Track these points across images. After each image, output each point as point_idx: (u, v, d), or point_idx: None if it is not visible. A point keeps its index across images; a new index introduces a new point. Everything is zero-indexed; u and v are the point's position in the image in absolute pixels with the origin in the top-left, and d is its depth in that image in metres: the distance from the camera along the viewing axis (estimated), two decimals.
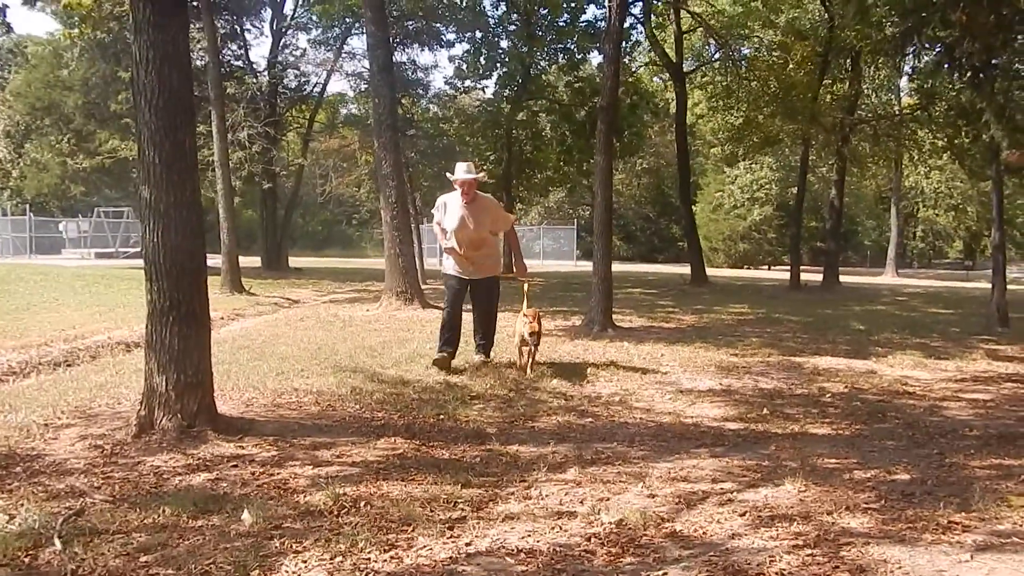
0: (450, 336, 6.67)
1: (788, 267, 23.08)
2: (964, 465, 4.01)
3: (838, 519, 3.15)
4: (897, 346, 8.47)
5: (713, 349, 7.98)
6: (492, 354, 6.90)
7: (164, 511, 3.09)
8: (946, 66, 11.17)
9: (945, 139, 19.01)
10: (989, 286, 11.55)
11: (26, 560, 2.66)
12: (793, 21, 18.82)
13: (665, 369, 6.89)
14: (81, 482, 3.48)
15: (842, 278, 21.68)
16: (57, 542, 2.76)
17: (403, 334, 8.65)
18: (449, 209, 6.68)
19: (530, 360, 6.45)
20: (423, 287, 13.16)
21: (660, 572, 2.64)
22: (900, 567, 2.65)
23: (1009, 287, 11.44)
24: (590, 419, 5.08)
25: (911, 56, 14.21)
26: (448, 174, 6.72)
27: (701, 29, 21.79)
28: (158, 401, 4.28)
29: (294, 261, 27.30)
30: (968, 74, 10.21)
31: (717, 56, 22.44)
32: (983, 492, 3.45)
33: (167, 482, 3.52)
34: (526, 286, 6.97)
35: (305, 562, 2.69)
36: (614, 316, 9.77)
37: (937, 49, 11.67)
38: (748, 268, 37.49)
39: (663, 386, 6.17)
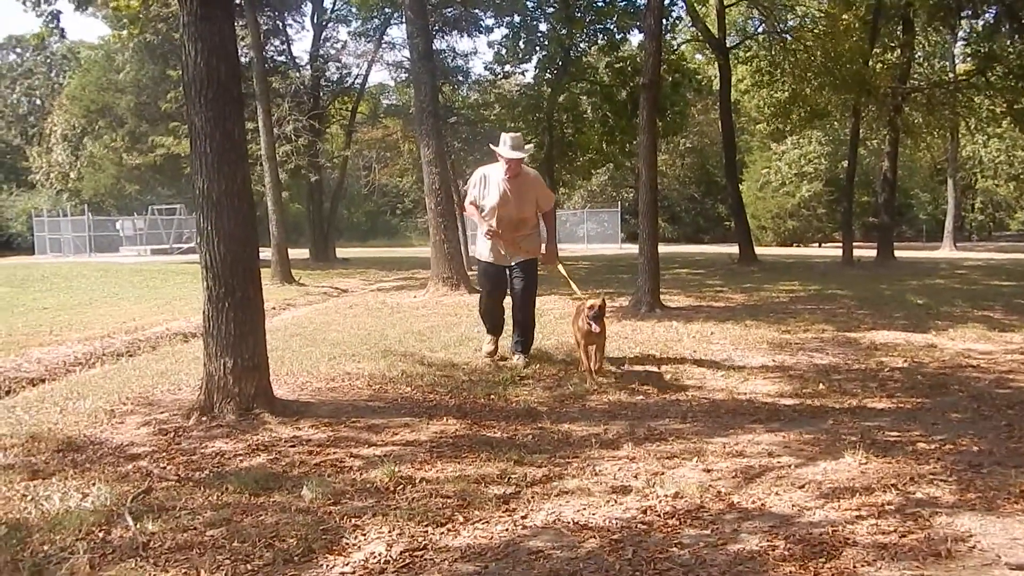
0: (494, 323, 6.25)
1: (840, 244, 22.55)
2: None
3: (903, 490, 3.07)
4: (958, 319, 8.20)
5: (765, 326, 7.84)
6: (536, 336, 6.40)
7: (227, 489, 3.17)
8: (1005, 28, 10.74)
9: (1005, 104, 18.30)
10: None
11: (100, 535, 2.75)
12: None
13: (716, 347, 6.80)
14: (147, 463, 3.59)
15: (897, 253, 21.10)
16: (128, 518, 2.86)
17: (451, 319, 8.70)
18: (489, 184, 5.97)
19: (598, 362, 5.56)
20: (469, 273, 13.22)
21: (719, 543, 2.62)
22: (972, 535, 2.57)
23: None
24: (641, 397, 5.04)
25: (967, 19, 13.69)
26: (493, 146, 6.03)
27: (743, 1, 21.31)
28: (216, 386, 4.39)
29: (341, 252, 27.66)
30: None
31: (761, 29, 21.92)
32: None
33: (228, 462, 3.60)
34: (563, 271, 6.06)
35: (364, 535, 2.73)
36: (662, 296, 9.67)
37: (994, 11, 11.23)
38: (798, 246, 36.72)
39: (714, 363, 6.08)
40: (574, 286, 5.97)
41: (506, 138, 5.92)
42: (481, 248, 6.14)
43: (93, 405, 4.69)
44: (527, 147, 6.06)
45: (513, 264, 6.01)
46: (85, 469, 3.50)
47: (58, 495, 3.12)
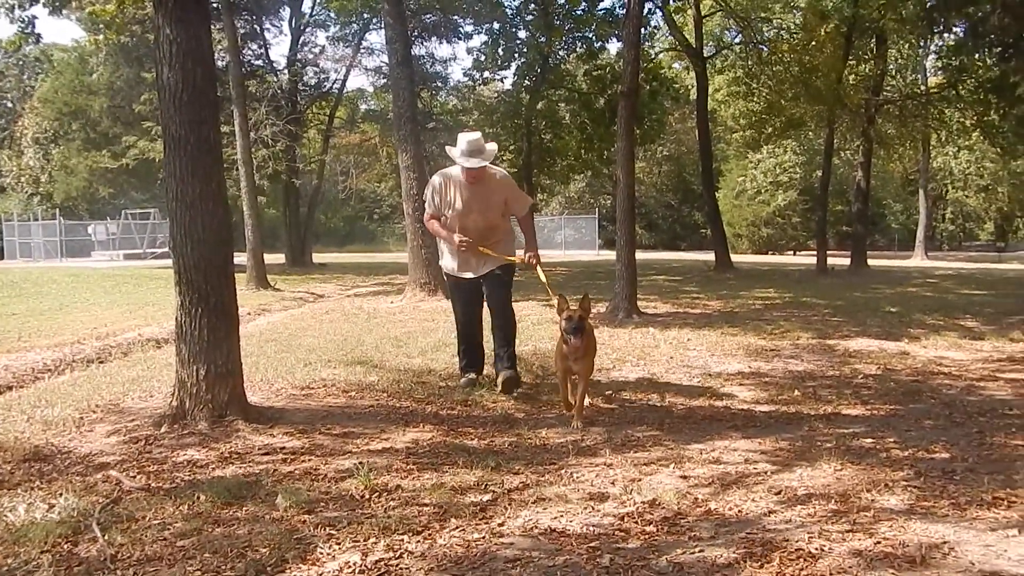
0: (472, 355, 5.55)
1: (814, 252, 22.82)
2: (1005, 444, 3.92)
3: (877, 496, 3.09)
4: (930, 327, 8.32)
5: (741, 333, 7.90)
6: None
7: (199, 498, 3.11)
8: (970, 43, 10.96)
9: (975, 117, 18.66)
10: (1023, 267, 11.30)
11: (66, 547, 2.69)
12: (816, 3, 18.54)
13: (692, 353, 6.83)
14: (116, 473, 3.51)
15: (870, 261, 21.39)
16: (96, 529, 2.79)
17: (428, 324, 8.66)
18: (449, 189, 5.22)
19: (579, 397, 4.55)
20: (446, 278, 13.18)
21: (696, 549, 2.61)
22: (946, 542, 2.59)
23: None
24: (618, 404, 5.04)
25: (938, 33, 13.95)
26: (449, 148, 5.22)
27: (721, 13, 21.54)
28: (189, 392, 4.32)
29: (318, 257, 27.50)
30: (998, 49, 9.99)
31: (738, 40, 22.17)
32: None
33: (200, 471, 3.54)
34: (541, 274, 5.27)
35: (339, 544, 2.69)
36: (639, 303, 9.71)
37: (963, 25, 11.44)
38: (772, 254, 37.14)
39: (691, 370, 6.11)
40: (550, 291, 5.21)
41: (462, 140, 5.09)
42: (447, 261, 5.45)
43: (61, 413, 4.59)
44: (488, 147, 5.16)
45: (484, 273, 5.33)
46: (52, 479, 3.42)
47: (23, 506, 3.04)
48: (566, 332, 4.45)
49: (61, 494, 3.19)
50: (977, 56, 14.12)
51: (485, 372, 5.58)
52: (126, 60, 25.87)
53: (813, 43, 17.74)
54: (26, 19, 16.01)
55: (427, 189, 5.41)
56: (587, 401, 4.76)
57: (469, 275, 5.36)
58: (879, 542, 2.62)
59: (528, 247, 5.36)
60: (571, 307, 4.57)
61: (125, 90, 26.63)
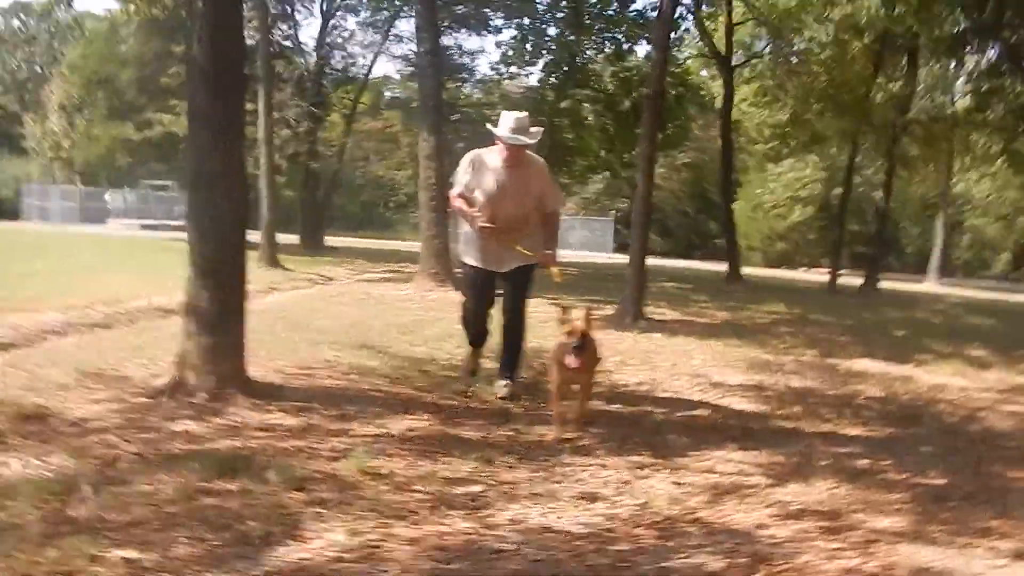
0: (478, 331, 5.23)
1: (827, 270, 22.66)
2: (1002, 474, 3.89)
3: (869, 517, 3.08)
4: (936, 353, 8.25)
5: (745, 346, 7.87)
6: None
7: (192, 468, 3.13)
8: (1005, 66, 10.85)
9: (1002, 143, 18.48)
10: None
11: (57, 505, 2.71)
12: (848, 17, 18.39)
13: (695, 362, 6.81)
14: (112, 437, 3.53)
15: (882, 283, 21.22)
16: (88, 489, 2.82)
17: (435, 314, 8.67)
18: (483, 171, 4.84)
19: (577, 411, 4.27)
20: (456, 271, 13.20)
21: (682, 555, 2.61)
22: (932, 567, 2.58)
23: None
24: (617, 406, 5.03)
25: (970, 55, 13.82)
26: (491, 126, 4.88)
27: (752, 21, 21.41)
28: (191, 363, 4.34)
29: (331, 240, 27.55)
30: None
31: (768, 50, 22.04)
32: (1022, 501, 3.34)
33: (196, 441, 3.56)
34: (556, 273, 4.92)
35: (326, 524, 2.70)
36: (647, 308, 9.69)
37: (996, 49, 11.34)
38: (784, 268, 36.92)
39: (692, 378, 6.09)
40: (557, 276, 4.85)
41: (507, 117, 4.76)
42: (468, 248, 5.04)
43: (63, 375, 4.62)
44: (533, 130, 4.82)
45: (506, 271, 4.94)
46: (48, 439, 3.44)
47: (18, 462, 3.07)
48: (573, 348, 4.08)
49: (56, 454, 3.22)
50: (1009, 81, 13.98)
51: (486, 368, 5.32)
52: (156, 32, 26.00)
53: (844, 57, 17.63)
54: None
55: (461, 165, 4.93)
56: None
57: (488, 267, 4.94)
58: (867, 562, 2.61)
59: (547, 245, 4.95)
60: (575, 323, 4.17)
61: (153, 62, 26.81)
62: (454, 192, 4.98)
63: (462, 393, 4.99)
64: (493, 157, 4.84)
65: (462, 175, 4.91)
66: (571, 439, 4.02)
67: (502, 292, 5.07)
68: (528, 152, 4.89)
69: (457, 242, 5.35)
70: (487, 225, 4.78)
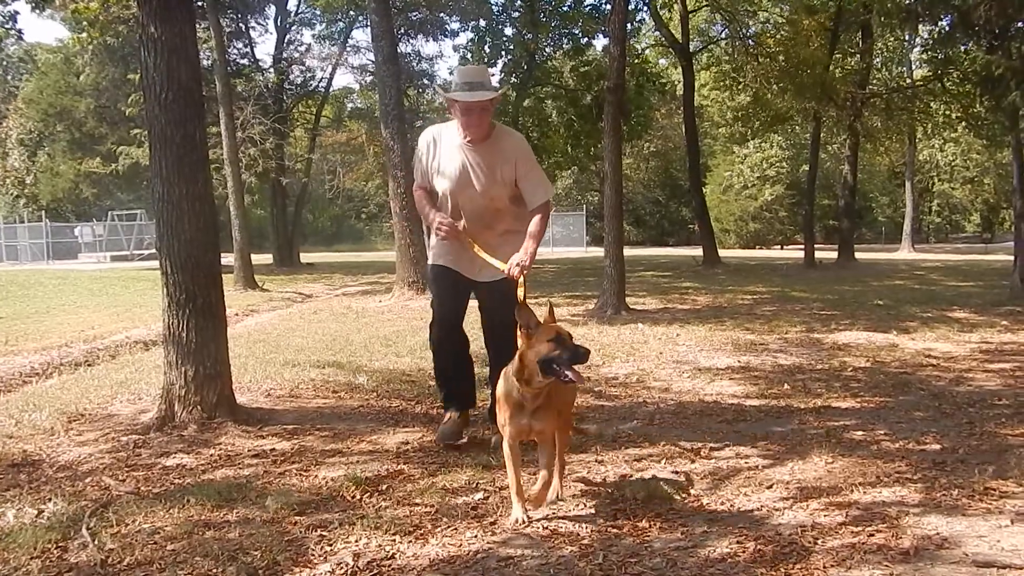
0: (454, 384, 4.03)
1: (801, 246, 22.92)
2: (996, 433, 3.94)
3: (869, 489, 3.10)
4: (918, 319, 8.37)
5: (730, 328, 7.92)
6: None
7: (189, 502, 3.08)
8: (959, 34, 11.04)
9: (960, 110, 18.79)
10: (1010, 258, 11.42)
11: (56, 553, 2.66)
12: None
13: (681, 349, 6.84)
14: (106, 477, 3.48)
15: (857, 254, 21.52)
16: (85, 534, 2.76)
17: (416, 323, 8.63)
18: (442, 152, 3.78)
19: (548, 476, 2.93)
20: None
21: (689, 544, 2.61)
22: (938, 533, 2.60)
23: None
24: (608, 400, 5.04)
25: (924, 25, 14.02)
26: (440, 89, 4.10)
27: (707, 8, 21.58)
28: (178, 394, 4.28)
29: (305, 257, 27.39)
30: (984, 40, 10.05)
31: (724, 35, 22.23)
32: (1019, 459, 3.38)
33: (190, 474, 3.51)
34: (520, 289, 3.31)
35: (331, 546, 2.67)
36: (628, 299, 9.73)
37: (949, 17, 11.51)
38: (760, 248, 37.28)
39: (680, 365, 6.12)
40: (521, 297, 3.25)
41: (460, 72, 3.79)
42: (436, 251, 3.95)
43: (49, 418, 4.54)
44: (496, 89, 3.80)
45: (483, 282, 3.83)
46: (40, 484, 3.38)
47: (12, 512, 3.01)
48: (576, 359, 2.81)
49: (50, 499, 3.15)
50: (963, 48, 14.21)
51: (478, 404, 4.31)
52: (111, 60, 25.69)
53: (799, 36, 17.82)
54: (7, 14, 15.86)
55: (418, 149, 3.95)
56: (577, 400, 4.05)
57: (459, 268, 3.87)
58: (872, 535, 2.62)
59: (525, 246, 3.59)
60: (556, 324, 3.01)
61: (111, 90, 26.49)
62: (415, 185, 4.01)
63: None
64: (450, 135, 3.81)
65: (419, 162, 3.92)
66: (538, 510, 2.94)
67: (483, 324, 4.03)
68: (500, 124, 3.92)
69: (428, 242, 4.16)
70: (445, 223, 3.68)
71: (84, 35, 19.28)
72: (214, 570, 2.49)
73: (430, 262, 4.04)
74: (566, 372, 2.78)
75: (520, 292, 3.30)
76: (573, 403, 3.40)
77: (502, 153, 3.73)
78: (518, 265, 3.49)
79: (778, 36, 19.65)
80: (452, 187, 3.75)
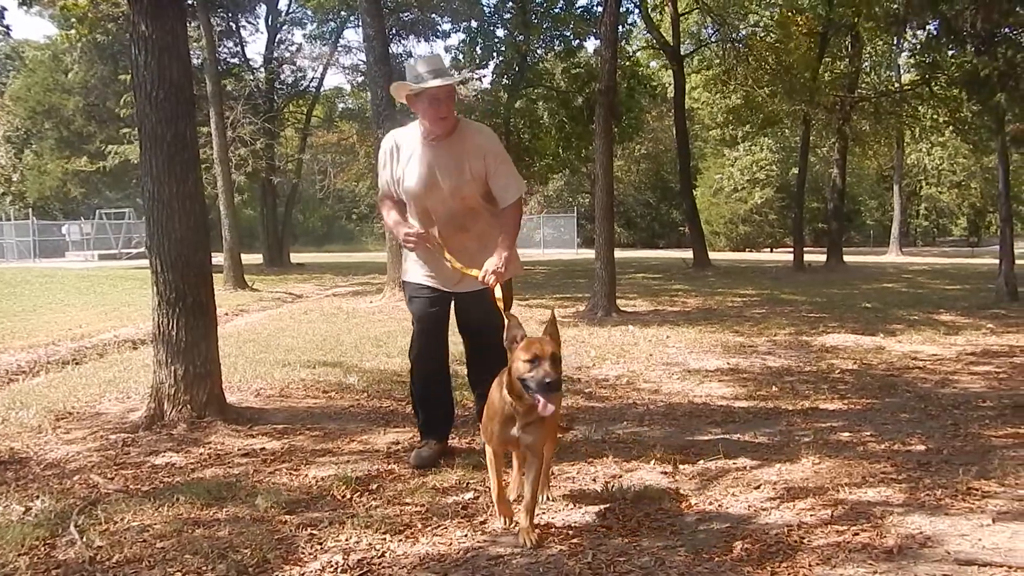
0: (432, 411, 3.73)
1: (790, 249, 23.04)
2: (980, 435, 3.98)
3: (855, 489, 3.13)
4: (905, 322, 8.44)
5: (719, 330, 7.96)
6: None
7: (178, 500, 3.08)
8: (944, 39, 11.14)
9: (947, 114, 18.94)
10: (995, 262, 11.53)
11: (44, 551, 2.65)
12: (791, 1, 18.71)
13: (671, 350, 6.88)
14: (94, 475, 3.47)
15: (846, 257, 21.65)
16: (74, 531, 2.76)
17: (407, 324, 8.54)
18: (404, 157, 3.53)
19: (529, 480, 2.77)
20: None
21: (678, 544, 2.63)
22: (921, 532, 2.63)
23: (1017, 261, 11.38)
24: (598, 402, 5.06)
25: (911, 30, 14.14)
26: (396, 85, 3.49)
27: (698, 10, 21.68)
28: (167, 393, 4.28)
29: (296, 257, 27.32)
30: (971, 45, 10.16)
31: (714, 37, 22.33)
32: (1002, 460, 3.42)
33: (179, 472, 3.51)
34: (498, 291, 3.25)
35: (321, 544, 2.68)
36: (618, 301, 9.76)
37: (936, 23, 11.62)
38: (750, 251, 37.47)
39: (670, 367, 6.15)
40: (506, 316, 2.85)
41: (416, 63, 3.47)
42: (410, 266, 3.69)
43: (37, 416, 4.52)
44: (454, 74, 3.66)
45: (462, 292, 3.57)
46: (28, 483, 3.37)
47: None
48: (542, 388, 2.57)
49: (37, 497, 3.15)
50: (950, 53, 14.33)
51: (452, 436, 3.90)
52: (100, 58, 25.56)
53: (789, 40, 17.94)
54: None
55: (380, 157, 3.66)
56: (567, 402, 4.51)
57: (437, 285, 3.60)
58: (857, 534, 2.65)
59: (499, 250, 3.34)
60: (541, 341, 2.66)
61: (99, 88, 26.34)
62: (379, 195, 3.74)
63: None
64: (413, 136, 3.55)
65: (382, 169, 3.63)
66: (529, 547, 2.64)
67: (465, 341, 3.78)
68: (464, 118, 3.62)
69: (404, 259, 3.84)
70: (409, 235, 3.45)
71: (73, 32, 19.20)
72: (203, 568, 2.50)
73: (404, 279, 3.76)
74: (538, 397, 2.59)
75: (499, 302, 3.16)
76: (558, 414, 3.08)
77: (470, 148, 3.45)
78: (493, 272, 3.28)
79: (767, 39, 19.76)
80: (419, 190, 3.48)
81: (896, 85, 24.59)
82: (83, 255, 28.41)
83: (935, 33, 12.21)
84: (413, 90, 3.38)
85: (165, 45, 4.27)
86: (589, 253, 13.45)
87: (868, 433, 4.08)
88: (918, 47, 16.91)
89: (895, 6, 13.08)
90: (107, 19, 18.81)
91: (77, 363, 6.84)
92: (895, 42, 21.70)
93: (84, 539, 2.71)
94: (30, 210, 31.32)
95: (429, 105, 3.37)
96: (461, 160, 3.43)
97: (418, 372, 3.78)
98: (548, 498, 3.10)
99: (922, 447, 3.79)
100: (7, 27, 18.16)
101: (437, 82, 3.33)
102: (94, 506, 3.05)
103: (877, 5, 14.72)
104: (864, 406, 4.80)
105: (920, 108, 20.80)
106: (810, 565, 2.42)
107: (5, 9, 14.44)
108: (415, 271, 3.67)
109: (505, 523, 2.82)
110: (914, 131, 23.71)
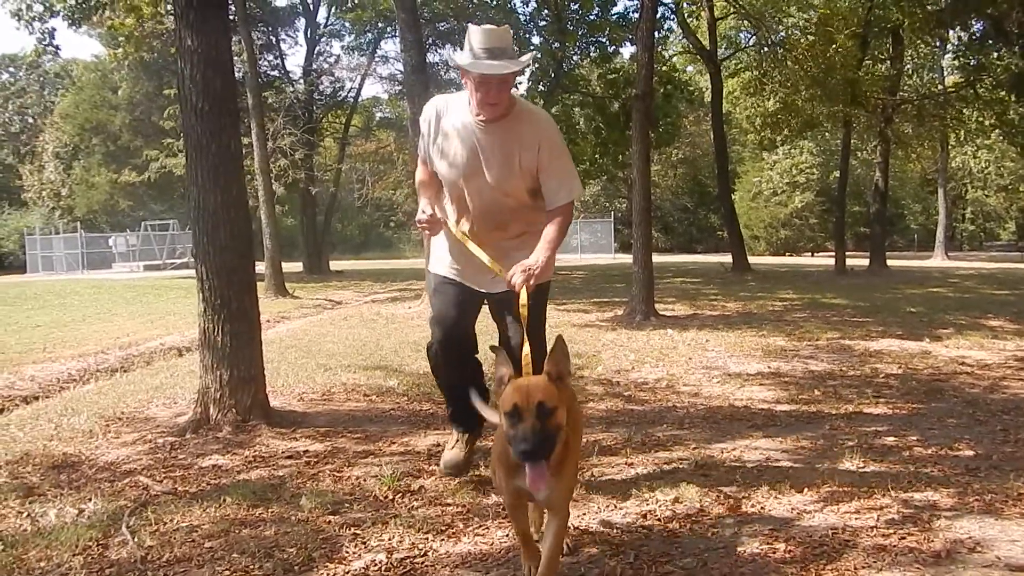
0: (460, 405, 3.30)
1: (832, 253, 22.65)
2: None
3: (901, 493, 3.08)
4: (952, 327, 8.25)
5: (760, 334, 7.87)
6: None
7: (225, 501, 3.15)
8: (991, 40, 10.90)
9: (993, 116, 18.49)
10: None
11: (97, 551, 2.73)
12: (830, 1, 18.43)
13: (711, 354, 6.82)
14: (143, 478, 3.56)
15: (889, 262, 21.22)
16: (126, 532, 2.84)
17: None
18: (447, 130, 3.06)
19: (548, 538, 2.27)
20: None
21: (720, 546, 2.62)
22: (970, 536, 2.58)
23: None
24: (638, 404, 5.04)
25: (955, 32, 13.87)
26: (452, 57, 2.98)
27: (734, 15, 21.50)
28: (212, 398, 4.37)
29: (335, 265, 27.65)
30: (1018, 46, 9.92)
31: (752, 41, 22.12)
32: None
33: (226, 474, 3.59)
34: (524, 296, 2.70)
35: (364, 543, 2.72)
36: (656, 305, 9.71)
37: (981, 24, 11.38)
38: (790, 255, 36.92)
39: (710, 370, 6.10)
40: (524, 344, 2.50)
41: (477, 35, 2.88)
42: (435, 254, 3.30)
43: (88, 421, 4.66)
44: (522, 58, 2.95)
45: (494, 293, 3.16)
46: (81, 485, 3.47)
47: (54, 511, 3.10)
48: (519, 455, 2.01)
49: (90, 499, 3.24)
50: (996, 55, 14.01)
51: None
52: (146, 74, 26.29)
53: (828, 43, 17.68)
54: (45, 32, 16.33)
55: (422, 119, 3.18)
56: (607, 404, 4.63)
57: (465, 280, 3.22)
58: (904, 538, 2.61)
59: (537, 250, 2.87)
60: (528, 387, 2.07)
61: (145, 103, 27.06)
62: (419, 160, 3.27)
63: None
64: (462, 107, 3.05)
65: (421, 138, 3.19)
66: None
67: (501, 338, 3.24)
68: (524, 102, 3.12)
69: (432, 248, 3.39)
70: (421, 219, 3.05)
71: (120, 51, 19.74)
72: (251, 566, 2.55)
73: (430, 269, 3.34)
74: (519, 457, 2.00)
75: (523, 308, 2.66)
76: (575, 473, 2.47)
77: (523, 137, 2.97)
78: (524, 272, 2.74)
79: (806, 42, 19.50)
80: (458, 175, 3.04)
81: (940, 87, 24.08)
82: (129, 266, 29.15)
83: (979, 34, 11.95)
84: (463, 66, 2.89)
85: (210, 59, 4.39)
86: (626, 258, 13.40)
87: (914, 438, 4.00)
88: (962, 49, 16.57)
89: (934, 6, 12.84)
90: (152, 37, 19.34)
91: (125, 370, 7.02)
92: (938, 44, 21.26)
93: (136, 539, 2.79)
94: (78, 223, 32.23)
95: (478, 86, 2.88)
96: (511, 149, 2.97)
97: (440, 374, 3.43)
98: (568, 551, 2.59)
99: (971, 452, 3.70)
100: (56, 47, 18.73)
101: (489, 67, 2.82)
102: (144, 507, 3.13)
103: (918, 8, 14.47)
104: (910, 411, 4.70)
105: (965, 110, 20.34)
106: (855, 568, 2.39)
107: (55, 30, 14.91)
108: (441, 261, 3.25)
109: (529, 572, 2.35)
110: (959, 134, 23.16)
